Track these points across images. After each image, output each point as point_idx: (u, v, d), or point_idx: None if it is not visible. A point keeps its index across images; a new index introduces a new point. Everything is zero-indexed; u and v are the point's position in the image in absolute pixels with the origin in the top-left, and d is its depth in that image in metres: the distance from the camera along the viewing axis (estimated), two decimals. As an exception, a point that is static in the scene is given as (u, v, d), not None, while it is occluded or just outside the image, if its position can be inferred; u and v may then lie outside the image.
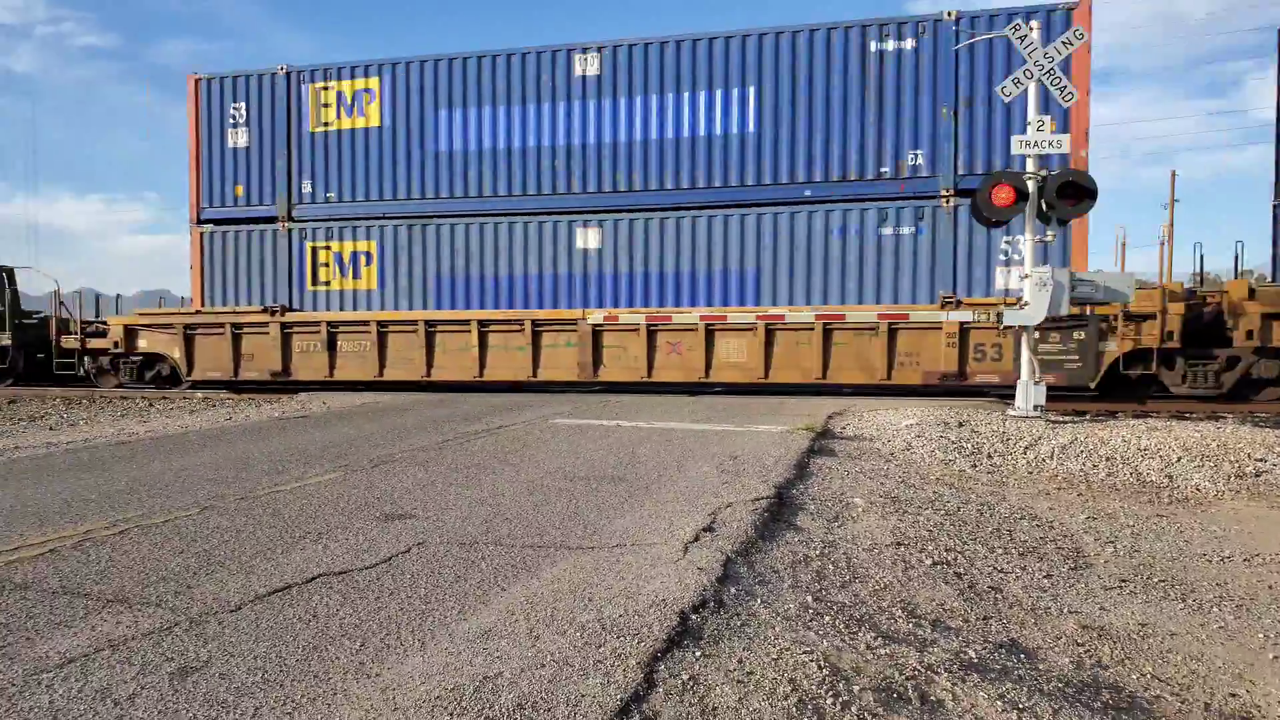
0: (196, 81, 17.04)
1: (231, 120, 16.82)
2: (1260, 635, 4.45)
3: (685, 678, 3.14)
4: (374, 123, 16.17)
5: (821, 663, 3.33)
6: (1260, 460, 8.11)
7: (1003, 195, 9.56)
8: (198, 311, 16.93)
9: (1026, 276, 9.77)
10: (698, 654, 3.34)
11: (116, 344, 17.29)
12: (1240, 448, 8.42)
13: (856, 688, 3.17)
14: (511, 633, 3.52)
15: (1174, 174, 42.14)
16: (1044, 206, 9.65)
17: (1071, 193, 9.47)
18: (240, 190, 16.90)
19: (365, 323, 15.73)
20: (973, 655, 3.73)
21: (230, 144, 16.86)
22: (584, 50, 14.87)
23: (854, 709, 3.01)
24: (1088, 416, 11.24)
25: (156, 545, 4.87)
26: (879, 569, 4.81)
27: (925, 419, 9.61)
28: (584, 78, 14.83)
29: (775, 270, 14.31)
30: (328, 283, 16.50)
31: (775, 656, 3.36)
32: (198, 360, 16.79)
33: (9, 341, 19.05)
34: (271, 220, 16.71)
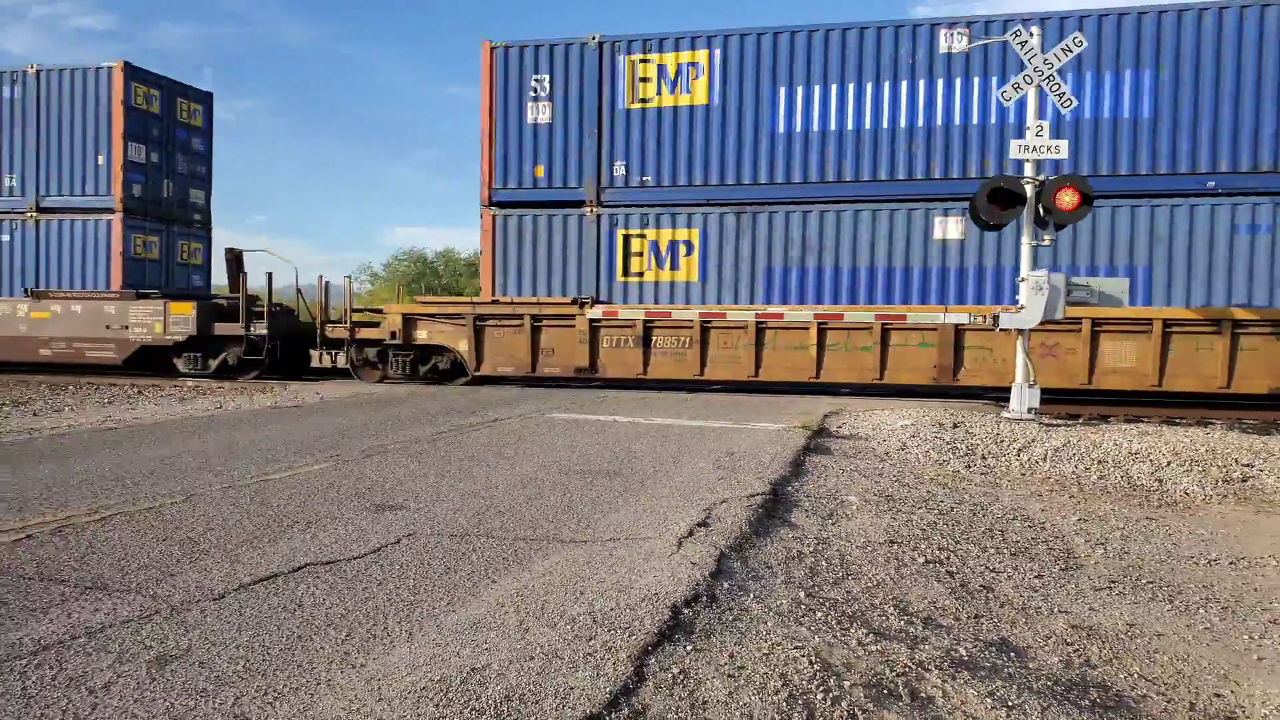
0: (492, 49, 15.24)
1: (532, 93, 15.09)
2: (1245, 637, 4.47)
3: (676, 671, 3.13)
4: (700, 100, 14.45)
5: (813, 658, 3.33)
6: (1247, 465, 8.14)
7: (1000, 199, 9.56)
8: (494, 301, 15.30)
9: (1023, 280, 9.78)
10: (689, 648, 3.33)
11: (394, 334, 15.61)
12: (1228, 453, 8.45)
13: (847, 683, 3.17)
14: (501, 624, 3.51)
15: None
16: (1041, 211, 9.67)
17: (1069, 197, 9.48)
18: (541, 170, 15.20)
19: (688, 319, 14.27)
20: (963, 653, 3.73)
21: (530, 119, 15.14)
22: (950, 25, 13.03)
23: (844, 704, 3.01)
24: (1081, 420, 11.27)
25: (139, 532, 4.84)
26: (872, 566, 4.81)
27: (920, 419, 9.63)
28: (949, 55, 13.20)
29: (1170, 269, 12.89)
30: (640, 274, 14.82)
31: (767, 651, 3.36)
32: (488, 354, 15.23)
33: (264, 331, 16.63)
34: (577, 204, 15.06)
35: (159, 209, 18.54)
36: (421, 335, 15.69)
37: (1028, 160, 9.76)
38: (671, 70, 14.58)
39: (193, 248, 19.81)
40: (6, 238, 18.36)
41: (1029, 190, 9.71)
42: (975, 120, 13.47)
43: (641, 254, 14.80)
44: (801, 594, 4.14)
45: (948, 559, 5.17)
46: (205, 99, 19.79)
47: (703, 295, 14.68)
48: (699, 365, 14.26)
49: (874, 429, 9.37)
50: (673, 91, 14.62)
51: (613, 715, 2.81)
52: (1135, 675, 3.95)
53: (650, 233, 14.80)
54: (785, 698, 2.99)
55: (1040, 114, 9.75)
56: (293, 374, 17.54)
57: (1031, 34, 9.82)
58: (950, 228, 13.53)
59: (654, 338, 14.54)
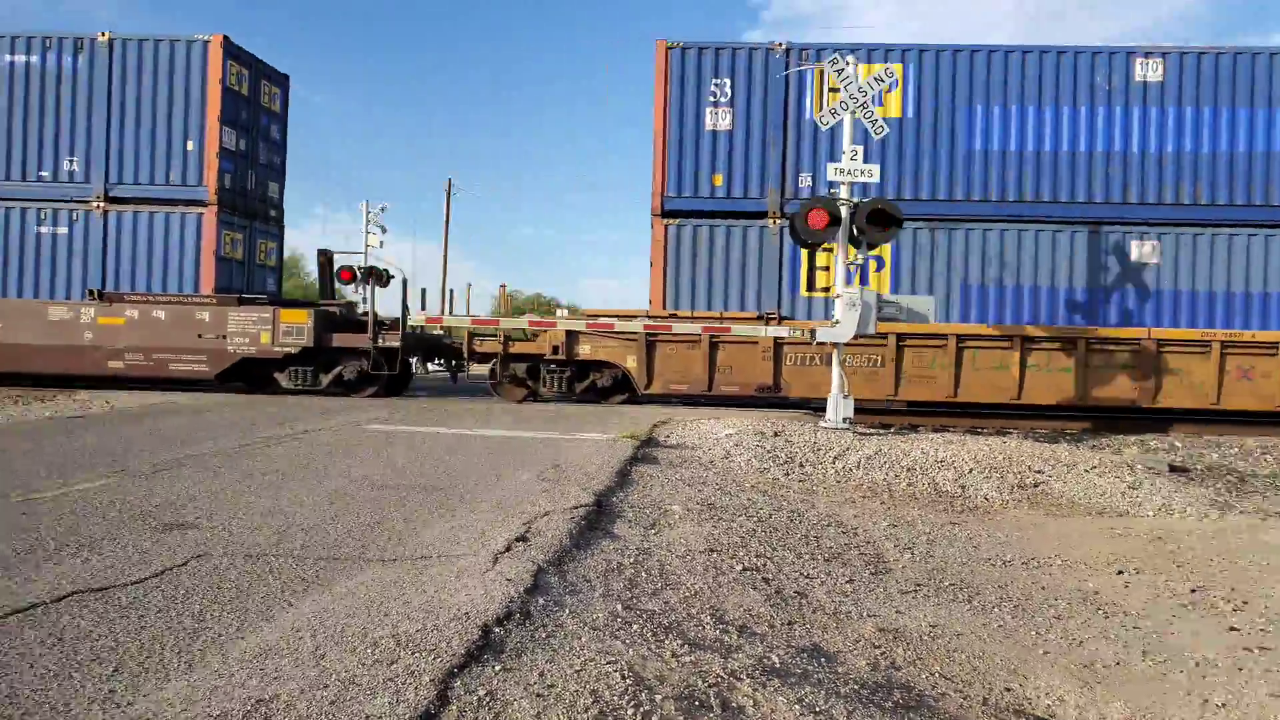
0: (668, 49, 14.48)
1: (712, 99, 14.42)
2: (1033, 633, 4.76)
3: (482, 693, 2.97)
4: (893, 113, 14.22)
5: (625, 672, 3.25)
6: (1038, 472, 8.78)
7: (818, 219, 9.96)
8: (671, 315, 14.32)
9: (838, 296, 10.22)
10: (498, 668, 3.18)
11: (556, 349, 14.24)
12: (1023, 460, 9.08)
13: (659, 697, 3.10)
14: (295, 651, 3.24)
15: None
16: (855, 231, 10.14)
17: (880, 219, 10.00)
18: (719, 179, 14.49)
19: (883, 336, 13.38)
20: (776, 660, 3.75)
21: (708, 125, 14.46)
22: (1146, 55, 13.84)
23: (655, 718, 2.94)
24: (893, 429, 11.86)
25: (-124, 561, 4.21)
26: (691, 576, 4.81)
27: (744, 429, 9.84)
28: (1144, 83, 13.81)
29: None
30: (826, 288, 13.75)
31: (579, 668, 3.25)
32: (659, 370, 14.14)
33: (397, 344, 14.52)
34: (757, 215, 14.46)
35: (244, 203, 16.19)
36: (584, 350, 14.39)
37: (843, 183, 10.23)
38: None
39: (269, 246, 17.47)
40: (64, 230, 15.26)
41: (844, 212, 10.17)
42: (1170, 148, 14.04)
43: (828, 268, 14.10)
44: (619, 607, 4.06)
45: (764, 566, 5.24)
46: (284, 82, 17.56)
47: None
48: (893, 383, 13.80)
49: (700, 438, 9.51)
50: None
51: (410, 745, 2.62)
52: (936, 675, 4.10)
53: (837, 247, 14.38)
54: (595, 715, 2.89)
55: (854, 140, 10.26)
56: (393, 389, 15.41)
57: (848, 63, 10.31)
58: (1146, 250, 14.09)
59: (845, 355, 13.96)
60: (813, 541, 6.09)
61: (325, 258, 16.31)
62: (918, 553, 6.25)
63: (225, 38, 15.20)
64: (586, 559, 4.77)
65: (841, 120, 10.35)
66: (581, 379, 14.58)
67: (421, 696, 2.87)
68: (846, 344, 10.74)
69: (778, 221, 14.39)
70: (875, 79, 10.19)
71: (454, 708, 2.85)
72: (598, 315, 14.70)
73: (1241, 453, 12.04)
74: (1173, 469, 9.79)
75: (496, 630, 3.51)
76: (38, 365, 14.64)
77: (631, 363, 14.20)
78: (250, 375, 14.90)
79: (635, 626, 3.83)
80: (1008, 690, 4.04)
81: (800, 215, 10.14)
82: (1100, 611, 5.22)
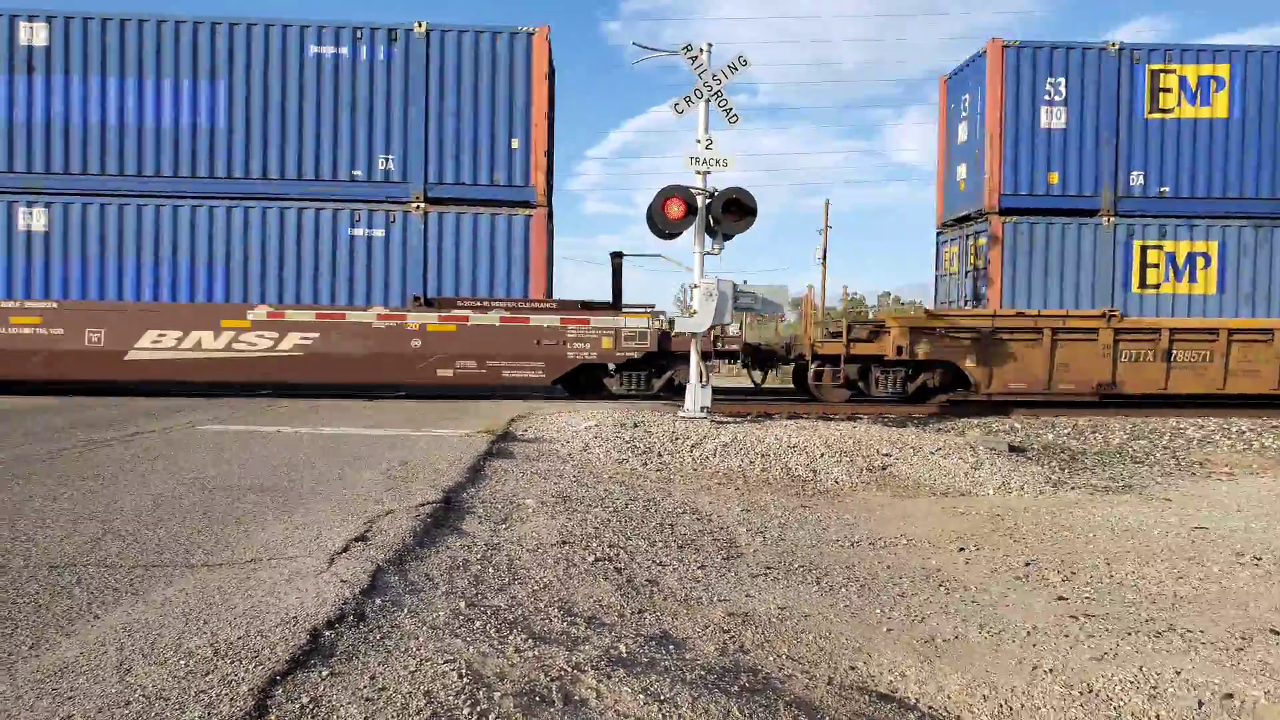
0: (1003, 48, 14.74)
1: (1047, 97, 14.71)
2: (878, 611, 4.88)
3: (305, 700, 2.78)
4: (1220, 113, 14.77)
5: (463, 671, 3.12)
6: (886, 455, 9.10)
7: (674, 209, 10.02)
8: (1019, 314, 14.50)
9: (695, 286, 10.31)
10: (325, 673, 2.99)
11: (899, 349, 14.30)
12: (871, 444, 9.40)
13: (498, 694, 2.99)
14: (95, 668, 2.95)
15: (827, 202, 47.28)
16: (711, 221, 10.25)
17: (735, 209, 10.14)
18: (1055, 177, 14.78)
19: (1213, 330, 14.28)
20: (623, 650, 3.70)
21: (1043, 124, 14.76)
22: None
23: (491, 717, 2.83)
24: (749, 417, 12.08)
25: None
26: (541, 569, 4.71)
27: (604, 420, 9.80)
28: None
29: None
30: (1157, 285, 14.82)
31: (413, 669, 3.10)
32: (997, 370, 14.32)
33: (737, 348, 14.34)
34: (1089, 213, 14.81)
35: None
36: (922, 350, 14.50)
37: (698, 172, 10.32)
38: (1193, 82, 14.84)
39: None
40: (380, 232, 13.63)
41: (700, 201, 10.26)
42: None
43: (1158, 265, 14.80)
44: (462, 604, 3.92)
45: (618, 555, 5.20)
46: (552, 75, 15.62)
47: (1220, 308, 14.89)
48: (1222, 377, 14.41)
49: (559, 431, 9.41)
50: (1193, 103, 14.87)
51: (220, 761, 2.42)
52: (783, 656, 4.15)
53: (1168, 244, 14.90)
54: (428, 717, 2.76)
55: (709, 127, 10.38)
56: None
57: (703, 51, 10.40)
58: None
59: (1174, 350, 14.47)
60: (667, 530, 6.09)
61: (618, 260, 15.43)
62: (769, 536, 6.35)
63: (549, 29, 14.11)
64: (431, 556, 4.60)
65: (696, 108, 10.43)
66: (913, 379, 14.95)
67: (237, 709, 2.67)
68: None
69: (1111, 220, 14.93)
70: (730, 67, 10.31)
71: (272, 716, 2.66)
72: (942, 315, 14.99)
73: (1074, 432, 12.87)
74: (1012, 449, 10.35)
75: (327, 633, 3.32)
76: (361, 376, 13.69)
77: (970, 362, 14.49)
78: (577, 381, 14.41)
79: (478, 624, 3.70)
80: (852, 669, 4.12)
81: (656, 204, 10.17)
82: (942, 588, 5.42)
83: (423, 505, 5.55)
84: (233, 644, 3.15)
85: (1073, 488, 8.69)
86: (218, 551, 4.43)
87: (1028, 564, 5.89)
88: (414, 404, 13.01)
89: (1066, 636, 4.58)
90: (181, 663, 2.98)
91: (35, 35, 13.54)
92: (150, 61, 13.58)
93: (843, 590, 5.23)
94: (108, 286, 13.63)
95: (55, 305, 13.28)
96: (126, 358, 13.28)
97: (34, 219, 13.55)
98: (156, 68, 13.58)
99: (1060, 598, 5.21)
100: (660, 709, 3.13)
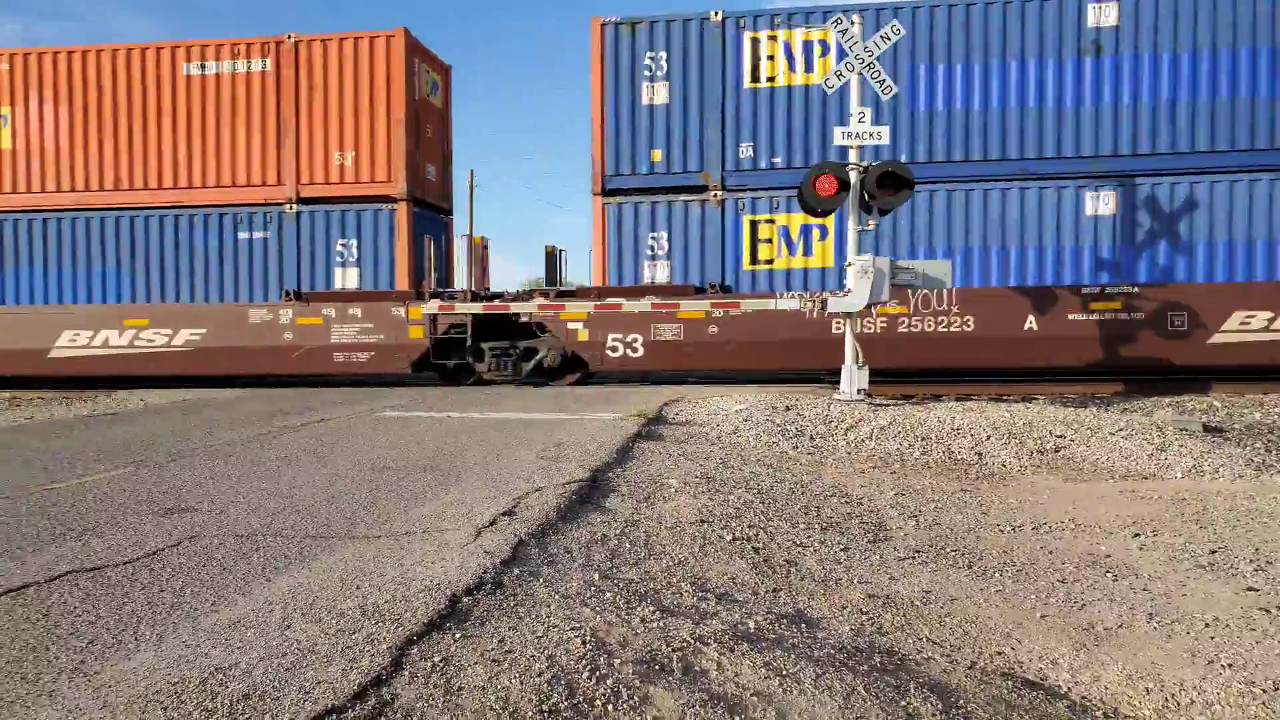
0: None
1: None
2: (1033, 597, 4.65)
3: (437, 659, 2.98)
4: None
5: (587, 638, 3.23)
6: (1060, 436, 8.59)
7: (826, 185, 9.82)
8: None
9: (849, 265, 10.07)
10: (458, 635, 3.19)
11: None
12: (1044, 425, 8.89)
13: (618, 661, 3.09)
14: (261, 623, 3.28)
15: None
16: (866, 196, 9.97)
17: (890, 182, 9.82)
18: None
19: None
20: (751, 626, 3.71)
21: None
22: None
23: (609, 681, 2.92)
24: (915, 399, 11.69)
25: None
26: (677, 546, 4.78)
27: (755, 404, 9.76)
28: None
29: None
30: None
31: (540, 634, 3.25)
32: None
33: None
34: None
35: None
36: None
37: (851, 146, 10.05)
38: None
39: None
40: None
41: (853, 176, 10.00)
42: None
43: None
44: (595, 576, 4.05)
45: (756, 535, 5.19)
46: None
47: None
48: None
49: (709, 415, 9.45)
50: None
51: (358, 707, 2.64)
52: (923, 639, 4.03)
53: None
54: (548, 679, 2.89)
55: (863, 101, 10.08)
56: None
57: (853, 22, 10.11)
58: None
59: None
60: (812, 512, 6.02)
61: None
62: (922, 521, 6.15)
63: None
64: (572, 531, 4.77)
65: (848, 81, 10.16)
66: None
67: (375, 664, 2.89)
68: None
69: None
70: (882, 37, 9.97)
71: (405, 673, 2.86)
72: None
73: (1288, 411, 11.64)
74: (1207, 429, 9.50)
75: (465, 600, 3.52)
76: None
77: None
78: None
79: (608, 595, 3.81)
80: (998, 654, 3.95)
81: (807, 182, 9.99)
82: (1109, 574, 5.09)
83: (569, 483, 5.75)
84: (379, 607, 3.40)
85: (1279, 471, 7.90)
86: (378, 525, 4.77)
87: (1214, 551, 5.43)
88: (570, 390, 13.41)
89: (1253, 630, 4.21)
90: (333, 622, 3.26)
91: None
92: None
93: (996, 575, 5.01)
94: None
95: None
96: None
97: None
98: None
99: (1250, 589, 4.78)
100: (781, 683, 3.13)
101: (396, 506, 5.20)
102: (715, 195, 14.05)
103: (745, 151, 13.96)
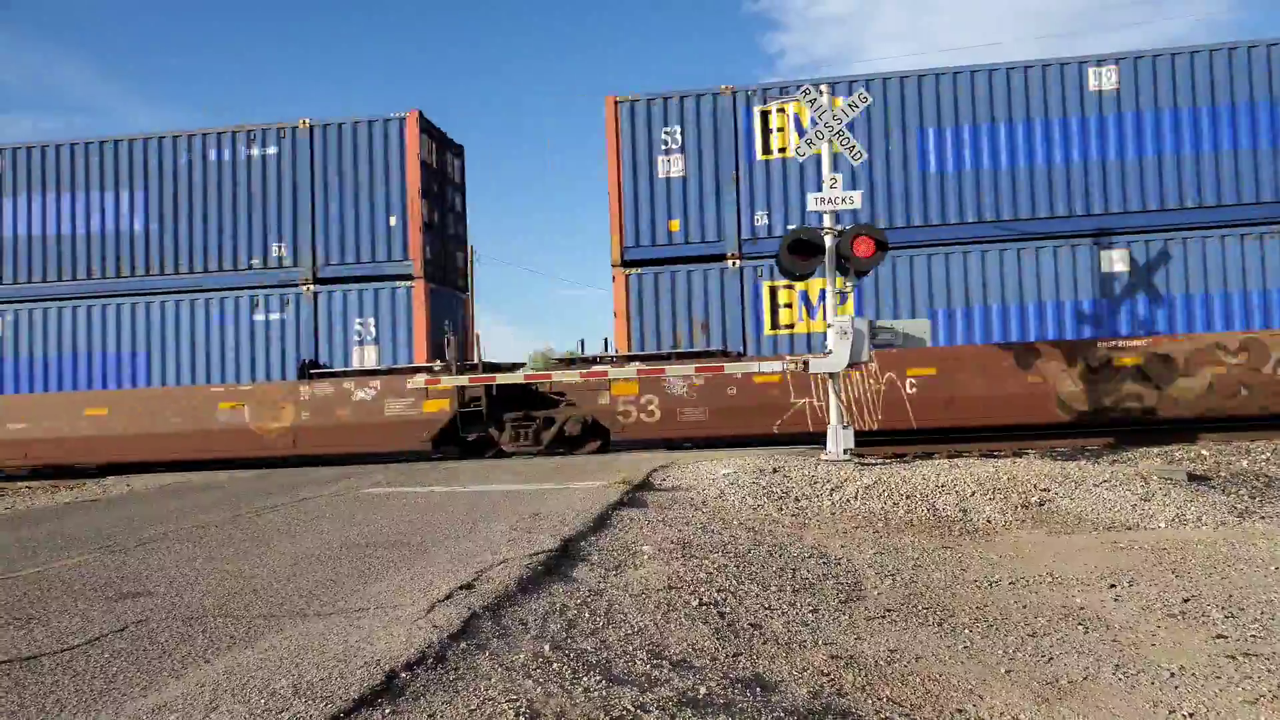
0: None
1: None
2: (1000, 651, 4.54)
3: (361, 738, 2.90)
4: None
5: (522, 710, 3.15)
6: (1044, 490, 8.49)
7: (800, 250, 9.90)
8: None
9: (829, 326, 10.09)
10: (388, 711, 3.10)
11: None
12: (1029, 480, 8.79)
13: (550, 733, 3.00)
14: (188, 707, 3.20)
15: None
16: (840, 259, 10.05)
17: (865, 245, 9.89)
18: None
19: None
20: (702, 691, 3.62)
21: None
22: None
23: (536, 755, 2.84)
24: (905, 457, 11.59)
25: None
26: (639, 614, 4.69)
27: (742, 467, 9.67)
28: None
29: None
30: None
31: (474, 708, 3.16)
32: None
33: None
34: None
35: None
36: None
37: (825, 212, 10.16)
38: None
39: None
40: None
41: (828, 240, 10.08)
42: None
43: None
44: (547, 647, 3.96)
45: (724, 600, 5.10)
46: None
47: None
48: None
49: (696, 479, 9.36)
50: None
51: (270, 793, 2.56)
52: (883, 699, 3.92)
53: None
54: (473, 754, 2.80)
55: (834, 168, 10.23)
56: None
57: (821, 92, 10.32)
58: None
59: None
60: (787, 574, 5.91)
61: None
62: (899, 579, 6.04)
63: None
64: (530, 602, 4.68)
65: (820, 150, 10.33)
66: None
67: (295, 744, 2.81)
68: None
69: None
70: (849, 105, 10.17)
71: (325, 753, 2.78)
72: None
73: (1276, 455, 11.52)
74: (1192, 478, 9.39)
75: (403, 675, 3.44)
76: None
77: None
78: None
79: (556, 665, 3.72)
80: (958, 711, 3.85)
81: (782, 248, 10.08)
82: (1080, 626, 4.98)
83: (536, 554, 5.66)
84: (313, 685, 3.32)
85: (1263, 518, 7.78)
86: (333, 602, 4.70)
87: (1186, 600, 5.32)
88: (571, 460, 13.31)
89: (1219, 678, 4.10)
90: (261, 701, 3.18)
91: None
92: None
93: (966, 631, 4.90)
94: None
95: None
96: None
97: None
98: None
99: (1220, 636, 4.67)
100: (721, 750, 3.04)
101: (357, 583, 5.12)
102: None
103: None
